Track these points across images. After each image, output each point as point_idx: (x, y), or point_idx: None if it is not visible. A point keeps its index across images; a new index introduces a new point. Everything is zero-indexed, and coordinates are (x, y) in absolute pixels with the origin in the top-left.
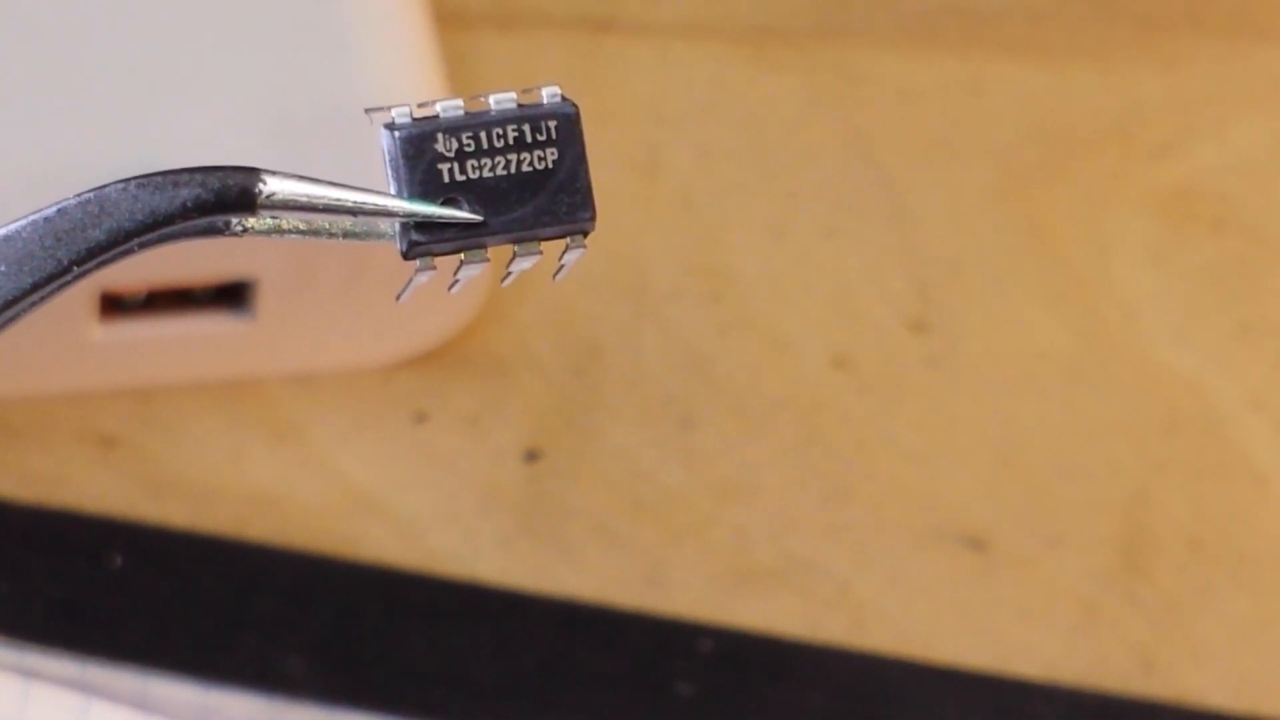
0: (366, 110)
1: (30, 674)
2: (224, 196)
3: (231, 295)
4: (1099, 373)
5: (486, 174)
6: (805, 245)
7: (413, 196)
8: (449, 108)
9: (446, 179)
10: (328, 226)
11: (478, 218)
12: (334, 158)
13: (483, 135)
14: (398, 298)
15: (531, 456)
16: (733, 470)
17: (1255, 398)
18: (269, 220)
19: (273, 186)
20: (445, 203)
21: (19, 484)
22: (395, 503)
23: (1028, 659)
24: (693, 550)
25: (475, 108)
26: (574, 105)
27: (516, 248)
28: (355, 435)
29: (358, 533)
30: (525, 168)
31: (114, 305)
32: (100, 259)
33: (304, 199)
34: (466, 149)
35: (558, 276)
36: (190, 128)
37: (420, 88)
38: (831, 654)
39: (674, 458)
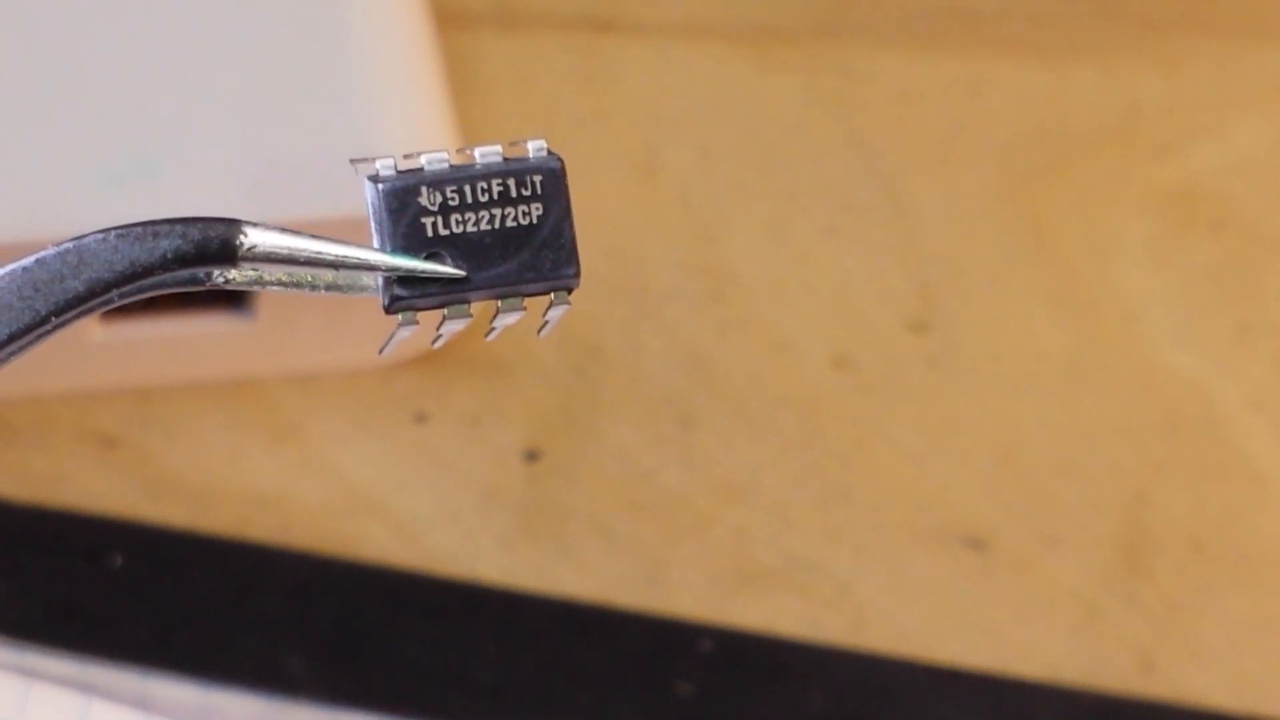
0: (351, 161)
1: (30, 674)
2: (204, 248)
3: (231, 295)
4: (1099, 373)
5: (470, 229)
6: (805, 245)
7: (396, 250)
8: (434, 160)
9: (430, 233)
10: (310, 279)
11: (461, 273)
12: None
13: (467, 189)
14: (380, 351)
15: (531, 456)
16: (733, 470)
17: (1255, 398)
18: (250, 272)
19: (254, 239)
20: (428, 257)
21: (19, 484)
22: (395, 503)
23: (1028, 659)
24: (693, 550)
25: (460, 161)
26: (559, 160)
27: (500, 303)
28: (355, 435)
29: (358, 533)
30: (509, 223)
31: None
32: (79, 310)
33: (285, 252)
34: (451, 203)
35: (542, 332)
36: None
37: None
38: (831, 654)
39: (674, 458)
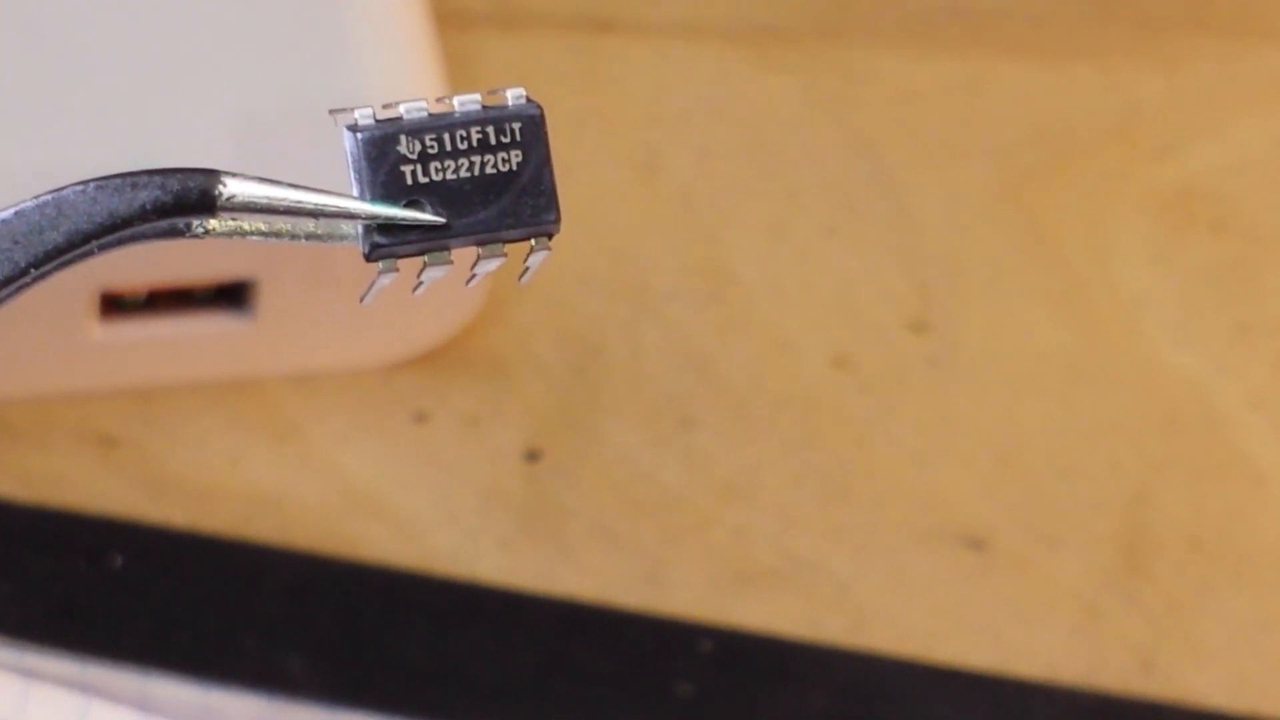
0: (330, 111)
1: (30, 674)
2: (183, 199)
3: (231, 295)
4: (1099, 373)
5: (450, 176)
6: (805, 245)
7: (375, 198)
8: (412, 109)
9: (409, 181)
10: (290, 229)
11: (441, 220)
12: (330, 159)
13: (446, 137)
14: (361, 300)
15: (531, 456)
16: (733, 470)
17: (1255, 398)
18: (230, 222)
19: (233, 189)
20: (408, 205)
21: (19, 484)
22: (395, 503)
23: (1028, 659)
24: (693, 550)
25: (439, 109)
26: (538, 107)
27: (481, 250)
28: (355, 435)
29: (358, 533)
30: (489, 170)
31: (114, 305)
32: (58, 261)
33: (264, 201)
34: (430, 151)
35: (523, 279)
36: (176, 128)
37: (418, 90)
38: (831, 654)
39: (674, 458)
